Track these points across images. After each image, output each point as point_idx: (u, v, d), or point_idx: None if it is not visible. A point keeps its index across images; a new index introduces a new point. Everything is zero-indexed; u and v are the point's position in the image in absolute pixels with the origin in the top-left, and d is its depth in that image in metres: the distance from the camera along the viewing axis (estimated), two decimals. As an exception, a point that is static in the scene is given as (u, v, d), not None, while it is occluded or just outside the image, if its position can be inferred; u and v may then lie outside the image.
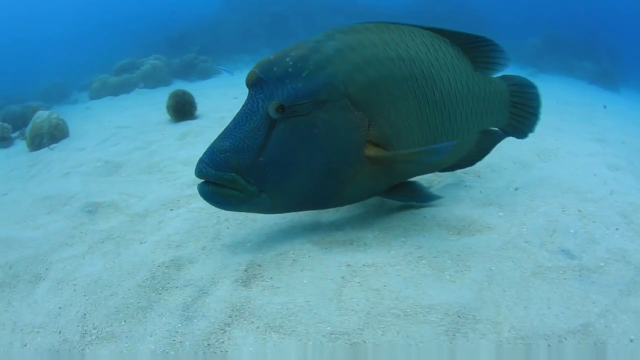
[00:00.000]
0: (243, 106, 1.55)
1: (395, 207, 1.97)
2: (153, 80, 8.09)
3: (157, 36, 11.28)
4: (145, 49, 9.87)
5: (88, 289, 1.56)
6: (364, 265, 1.45)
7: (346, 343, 1.12)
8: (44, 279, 1.71)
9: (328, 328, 1.15)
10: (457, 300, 1.29)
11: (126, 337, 1.29)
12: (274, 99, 1.48)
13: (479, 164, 2.23)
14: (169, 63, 8.83)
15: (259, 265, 1.53)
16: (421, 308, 1.25)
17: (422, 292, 1.32)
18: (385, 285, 1.35)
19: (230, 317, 1.25)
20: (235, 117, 1.54)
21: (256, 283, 1.43)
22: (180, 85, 7.66)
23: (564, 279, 1.44)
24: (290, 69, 1.52)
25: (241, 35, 11.46)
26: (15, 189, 3.23)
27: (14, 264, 1.83)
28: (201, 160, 1.51)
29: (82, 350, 1.28)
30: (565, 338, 1.19)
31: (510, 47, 2.06)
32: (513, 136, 2.21)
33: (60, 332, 1.37)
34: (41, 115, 4.63)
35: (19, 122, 5.90)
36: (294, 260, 1.55)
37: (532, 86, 2.16)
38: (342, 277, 1.39)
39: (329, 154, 1.55)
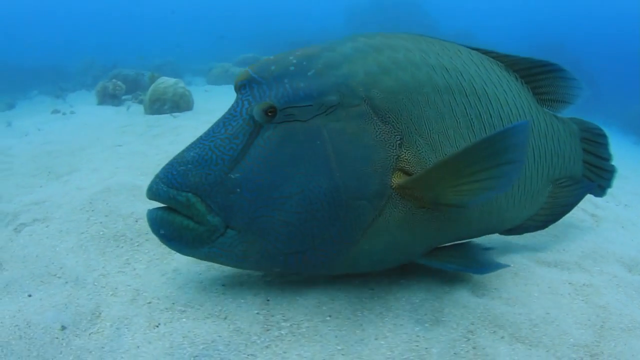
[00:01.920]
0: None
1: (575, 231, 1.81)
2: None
3: (280, 39, 11.45)
4: (266, 49, 9.99)
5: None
6: (583, 285, 1.47)
7: (587, 354, 1.15)
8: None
9: (571, 340, 1.19)
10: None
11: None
12: (264, 100, 1.12)
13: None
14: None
15: (483, 274, 1.45)
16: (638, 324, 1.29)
17: (633, 311, 1.35)
18: (608, 303, 1.37)
19: (472, 324, 1.21)
20: (213, 124, 1.18)
21: (481, 293, 1.36)
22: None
23: None
24: (292, 67, 1.16)
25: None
26: (132, 143, 3.11)
27: (139, 218, 1.65)
28: (156, 176, 1.15)
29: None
30: None
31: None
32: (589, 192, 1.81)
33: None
34: (166, 81, 4.50)
35: (131, 86, 5.93)
36: (515, 273, 1.49)
37: (604, 134, 1.81)
38: (569, 294, 1.41)
39: (335, 179, 1.10)
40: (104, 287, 1.28)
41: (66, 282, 1.29)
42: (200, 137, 1.15)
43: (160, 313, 1.17)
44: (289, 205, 1.08)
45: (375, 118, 1.15)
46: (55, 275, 1.33)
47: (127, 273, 1.36)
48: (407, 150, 1.18)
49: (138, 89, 5.83)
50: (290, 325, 1.14)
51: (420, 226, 1.21)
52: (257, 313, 1.17)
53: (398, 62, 1.23)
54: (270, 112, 1.10)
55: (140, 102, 5.14)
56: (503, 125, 1.39)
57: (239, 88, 1.17)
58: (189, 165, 1.11)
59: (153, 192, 1.12)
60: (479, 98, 1.35)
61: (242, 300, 1.22)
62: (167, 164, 1.14)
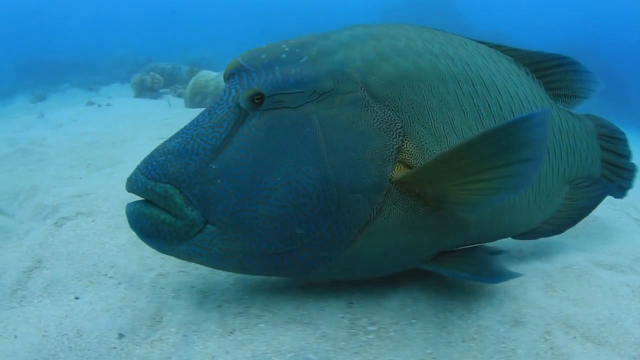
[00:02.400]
0: None
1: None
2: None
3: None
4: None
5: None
6: (638, 286, 1.45)
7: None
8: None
9: (632, 339, 1.19)
10: None
11: None
12: (252, 87, 1.05)
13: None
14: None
15: (549, 275, 1.44)
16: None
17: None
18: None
19: (549, 324, 1.19)
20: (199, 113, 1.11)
21: (550, 294, 1.34)
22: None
23: None
24: (284, 55, 1.08)
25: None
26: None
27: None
28: (137, 167, 1.07)
29: None
30: None
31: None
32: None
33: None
34: (207, 74, 4.41)
35: (169, 79, 5.85)
36: (579, 275, 1.46)
37: (622, 132, 1.72)
38: (628, 295, 1.40)
39: (326, 169, 1.01)
40: (164, 289, 1.11)
41: (119, 283, 1.13)
42: (185, 126, 1.08)
43: (234, 318, 1.03)
44: (274, 198, 0.99)
45: (373, 105, 1.07)
46: (106, 275, 1.18)
47: (189, 273, 1.20)
48: (408, 141, 1.08)
49: (176, 83, 5.77)
50: (378, 329, 1.06)
51: (423, 227, 1.10)
52: (342, 317, 1.07)
53: (398, 50, 1.15)
54: (257, 99, 1.02)
55: (179, 95, 5.06)
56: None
57: (227, 77, 1.09)
58: (169, 156, 1.03)
59: (131, 184, 1.04)
60: (487, 88, 1.26)
61: (325, 303, 1.10)
62: (149, 155, 1.06)
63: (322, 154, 1.01)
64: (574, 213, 1.55)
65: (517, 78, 1.41)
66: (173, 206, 1.00)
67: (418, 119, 1.11)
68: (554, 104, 1.52)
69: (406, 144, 1.08)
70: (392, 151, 1.06)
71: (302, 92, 1.04)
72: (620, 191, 1.71)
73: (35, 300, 1.09)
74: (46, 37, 12.56)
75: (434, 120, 1.13)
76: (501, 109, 1.27)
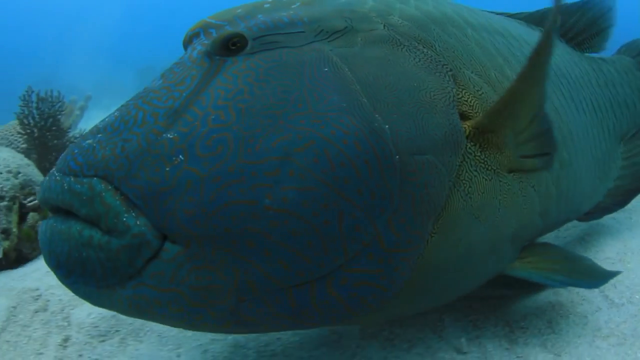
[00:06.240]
0: None
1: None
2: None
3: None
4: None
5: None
6: None
7: None
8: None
9: None
10: None
11: None
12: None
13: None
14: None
15: None
16: None
17: None
18: None
19: None
20: None
21: None
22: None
23: None
24: (267, 5, 0.81)
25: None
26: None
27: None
28: (55, 166, 0.73)
29: None
30: None
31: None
32: None
33: None
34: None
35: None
36: None
37: None
38: None
39: (372, 118, 0.68)
40: None
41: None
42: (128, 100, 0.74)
43: None
44: (287, 174, 0.61)
45: (407, 44, 0.80)
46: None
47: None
48: (463, 89, 0.83)
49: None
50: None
51: (512, 206, 0.82)
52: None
53: None
54: (237, 43, 0.71)
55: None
56: (554, 74, 1.10)
57: (190, 40, 0.79)
58: (99, 135, 0.67)
59: (42, 190, 0.68)
60: (517, 40, 1.09)
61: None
62: (72, 144, 0.75)
63: (359, 97, 0.67)
64: (638, 172, 1.31)
65: (535, 34, 1.23)
66: (103, 213, 0.61)
67: (465, 64, 0.86)
68: (582, 55, 1.35)
69: (461, 92, 0.81)
70: (452, 95, 0.77)
71: (303, 31, 0.74)
72: None
73: None
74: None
75: (483, 67, 0.90)
76: None
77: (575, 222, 1.32)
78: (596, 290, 1.05)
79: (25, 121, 2.64)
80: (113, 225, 0.61)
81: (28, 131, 2.65)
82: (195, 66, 0.70)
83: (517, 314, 1.02)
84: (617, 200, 1.29)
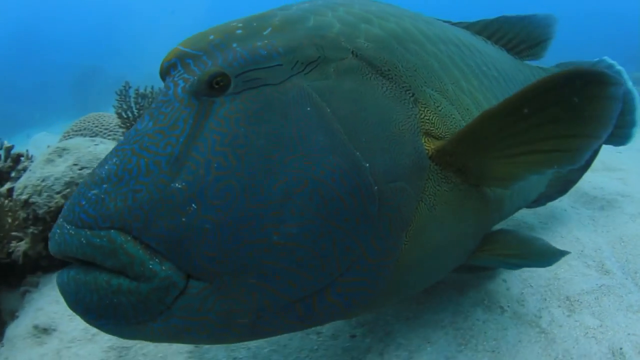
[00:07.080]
0: None
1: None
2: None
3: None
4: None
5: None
6: None
7: None
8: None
9: None
10: None
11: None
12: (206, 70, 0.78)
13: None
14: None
15: None
16: None
17: None
18: None
19: None
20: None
21: None
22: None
23: None
24: (239, 31, 0.83)
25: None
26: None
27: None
28: (60, 216, 0.74)
29: None
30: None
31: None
32: (609, 143, 1.68)
33: None
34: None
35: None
36: None
37: (611, 66, 1.66)
38: None
39: (352, 155, 0.77)
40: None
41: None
42: (119, 142, 0.78)
43: None
44: (290, 212, 0.71)
45: (373, 71, 0.87)
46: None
47: None
48: (424, 107, 0.92)
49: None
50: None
51: (471, 209, 0.94)
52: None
53: (374, 13, 0.99)
54: (220, 82, 0.76)
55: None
56: (503, 80, 1.22)
57: (167, 70, 0.81)
58: (105, 185, 0.71)
59: (56, 243, 0.71)
60: (469, 49, 1.18)
61: None
62: (73, 194, 0.75)
63: (341, 136, 0.76)
64: (572, 170, 1.51)
65: (484, 41, 1.38)
66: (129, 263, 0.67)
67: (425, 82, 0.95)
68: (524, 64, 1.50)
69: (423, 111, 0.91)
70: (416, 121, 0.88)
71: (281, 64, 0.79)
72: (618, 139, 1.68)
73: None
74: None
75: (441, 82, 0.98)
76: (489, 69, 1.20)
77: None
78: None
79: (124, 115, 2.85)
80: (140, 272, 0.68)
81: (127, 125, 2.86)
82: (183, 107, 0.74)
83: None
84: (558, 189, 1.53)
